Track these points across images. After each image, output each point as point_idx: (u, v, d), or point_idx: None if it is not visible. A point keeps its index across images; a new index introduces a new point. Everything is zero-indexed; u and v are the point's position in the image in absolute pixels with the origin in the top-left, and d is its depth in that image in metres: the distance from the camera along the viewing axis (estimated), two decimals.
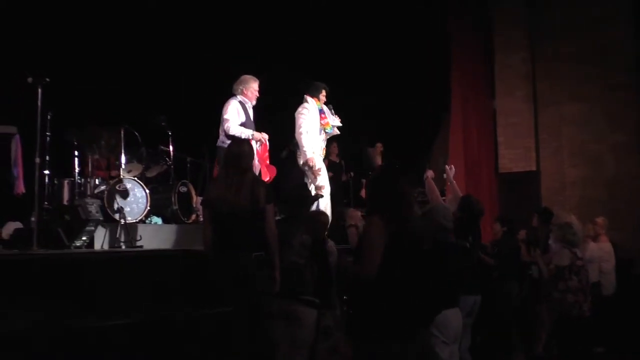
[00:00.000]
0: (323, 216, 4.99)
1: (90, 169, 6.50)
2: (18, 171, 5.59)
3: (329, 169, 7.17)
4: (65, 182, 6.25)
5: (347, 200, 9.25)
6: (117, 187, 6.07)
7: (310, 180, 6.56)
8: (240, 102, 6.25)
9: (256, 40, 8.98)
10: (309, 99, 6.62)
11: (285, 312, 4.15)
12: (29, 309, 4.10)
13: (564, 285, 5.29)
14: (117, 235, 5.75)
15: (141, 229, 6.01)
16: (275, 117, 7.27)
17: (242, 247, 4.13)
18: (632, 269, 8.16)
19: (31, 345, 3.98)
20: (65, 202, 6.16)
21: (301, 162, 6.51)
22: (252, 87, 6.32)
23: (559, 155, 9.56)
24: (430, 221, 4.15)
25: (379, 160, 9.51)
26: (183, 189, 6.81)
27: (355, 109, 7.41)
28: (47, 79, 5.36)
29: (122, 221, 5.79)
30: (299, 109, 6.57)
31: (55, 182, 6.25)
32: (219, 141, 6.17)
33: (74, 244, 5.49)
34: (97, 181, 6.35)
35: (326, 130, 6.69)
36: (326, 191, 6.53)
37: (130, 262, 4.95)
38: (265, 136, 6.26)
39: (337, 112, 6.77)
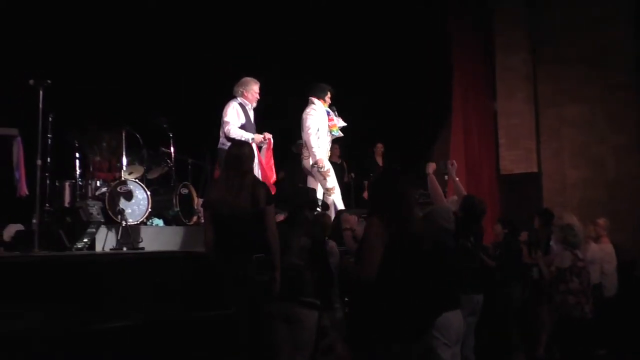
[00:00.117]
0: (324, 218, 4.98)
1: (91, 170, 6.50)
2: (20, 173, 5.59)
3: None
4: (67, 184, 6.25)
5: (349, 201, 9.24)
6: (119, 189, 6.07)
7: (319, 182, 6.57)
8: (240, 104, 6.25)
9: (256, 40, 8.98)
10: (315, 100, 6.62)
11: (286, 314, 4.15)
12: (30, 310, 4.11)
13: (565, 287, 5.28)
14: (119, 237, 5.76)
15: (142, 231, 6.02)
16: (276, 118, 7.27)
17: (243, 249, 4.14)
18: (634, 271, 8.15)
19: (32, 346, 3.98)
20: (66, 204, 6.15)
21: (310, 163, 6.51)
22: (252, 89, 6.32)
23: (559, 157, 9.56)
24: (431, 223, 4.15)
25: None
26: (184, 191, 6.81)
27: (355, 109, 7.40)
28: (49, 81, 5.37)
29: (124, 223, 5.80)
30: (307, 109, 6.57)
31: (57, 184, 6.25)
32: (219, 143, 6.18)
33: (75, 246, 5.49)
34: (98, 183, 6.34)
35: (332, 132, 6.71)
36: (336, 193, 6.55)
37: (131, 264, 4.96)
38: (269, 136, 6.26)
39: (338, 112, 6.78)
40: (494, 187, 9.70)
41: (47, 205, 6.01)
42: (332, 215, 5.93)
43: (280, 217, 5.09)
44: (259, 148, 6.27)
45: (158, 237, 6.16)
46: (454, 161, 5.73)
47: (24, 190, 5.62)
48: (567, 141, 9.50)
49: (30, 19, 7.37)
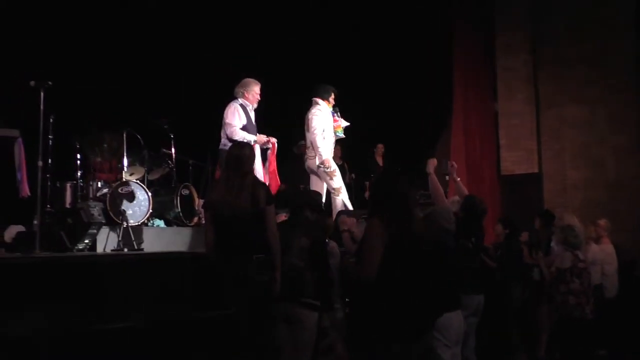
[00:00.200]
0: (324, 219, 4.98)
1: (92, 172, 6.51)
2: (22, 174, 5.60)
3: None
4: (68, 185, 6.27)
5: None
6: (120, 190, 6.08)
7: (325, 182, 6.57)
8: (241, 105, 6.25)
9: (256, 41, 8.99)
10: (319, 101, 6.62)
11: (286, 314, 4.16)
12: (31, 311, 4.11)
13: (566, 288, 5.27)
14: (120, 238, 5.77)
15: (143, 232, 6.03)
16: (276, 118, 7.28)
17: (244, 249, 4.14)
18: (634, 271, 8.15)
19: (33, 348, 3.99)
20: (67, 205, 6.17)
21: (317, 163, 6.51)
22: (253, 90, 6.32)
23: (560, 158, 9.56)
24: (432, 223, 4.15)
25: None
26: (185, 192, 6.82)
27: (355, 109, 7.41)
28: (50, 82, 5.38)
29: (125, 224, 5.80)
30: (313, 110, 6.57)
31: (58, 185, 6.26)
32: (221, 144, 6.18)
33: (76, 247, 5.50)
34: (99, 184, 6.36)
35: (337, 133, 6.72)
36: (344, 193, 6.56)
37: (132, 265, 4.97)
38: (273, 140, 6.28)
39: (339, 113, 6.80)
40: (494, 188, 9.71)
41: (48, 206, 6.02)
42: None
43: (281, 218, 5.09)
44: (264, 151, 6.29)
45: (159, 238, 6.17)
46: (454, 163, 5.71)
47: (26, 191, 5.63)
48: (568, 142, 9.50)
49: (31, 20, 7.38)
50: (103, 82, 7.67)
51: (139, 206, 6.14)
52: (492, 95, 10.02)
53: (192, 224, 6.77)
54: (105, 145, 6.59)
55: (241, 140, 5.92)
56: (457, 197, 5.58)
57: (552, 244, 6.29)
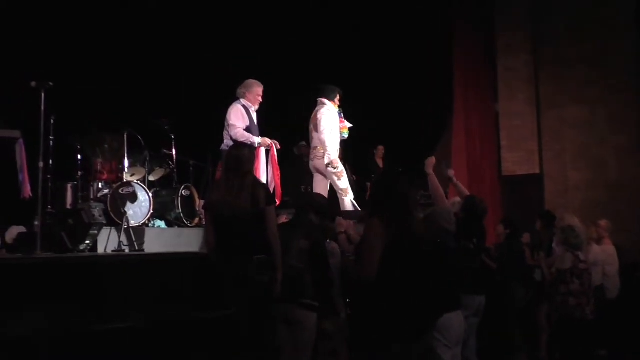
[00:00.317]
0: (328, 223, 4.97)
1: (93, 172, 6.51)
2: (24, 175, 5.61)
3: None
4: (69, 185, 6.27)
5: None
6: (121, 191, 6.08)
7: (332, 183, 6.57)
8: (243, 106, 6.26)
9: (256, 41, 8.99)
10: (326, 101, 6.62)
11: (286, 315, 4.16)
12: (31, 312, 4.12)
13: (566, 289, 5.26)
14: (121, 239, 5.77)
15: (144, 233, 6.03)
16: (276, 119, 7.28)
17: (244, 250, 4.14)
18: (636, 272, 8.13)
19: (33, 348, 3.99)
20: (68, 206, 6.17)
21: (325, 163, 6.50)
22: (255, 92, 6.32)
23: (561, 158, 9.55)
24: (432, 224, 4.15)
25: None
26: (186, 193, 6.81)
27: (356, 110, 7.42)
28: (51, 84, 5.39)
29: (126, 225, 5.81)
30: (321, 110, 6.57)
31: (59, 185, 6.26)
32: (223, 145, 6.18)
33: (77, 248, 5.51)
34: (100, 185, 6.36)
35: (342, 134, 6.72)
36: (350, 194, 6.56)
37: (133, 265, 4.97)
38: (275, 143, 6.27)
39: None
40: (495, 189, 9.70)
41: (49, 207, 6.02)
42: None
43: (282, 219, 5.09)
44: (267, 153, 6.28)
45: (160, 239, 6.18)
46: (452, 170, 5.69)
47: (27, 192, 5.63)
48: (568, 142, 9.50)
49: (31, 20, 7.39)
50: (104, 82, 7.69)
51: (139, 207, 6.14)
52: (492, 95, 10.03)
53: (193, 224, 6.78)
54: (106, 146, 6.58)
55: (246, 141, 5.92)
56: (458, 199, 5.58)
57: (554, 245, 6.28)
